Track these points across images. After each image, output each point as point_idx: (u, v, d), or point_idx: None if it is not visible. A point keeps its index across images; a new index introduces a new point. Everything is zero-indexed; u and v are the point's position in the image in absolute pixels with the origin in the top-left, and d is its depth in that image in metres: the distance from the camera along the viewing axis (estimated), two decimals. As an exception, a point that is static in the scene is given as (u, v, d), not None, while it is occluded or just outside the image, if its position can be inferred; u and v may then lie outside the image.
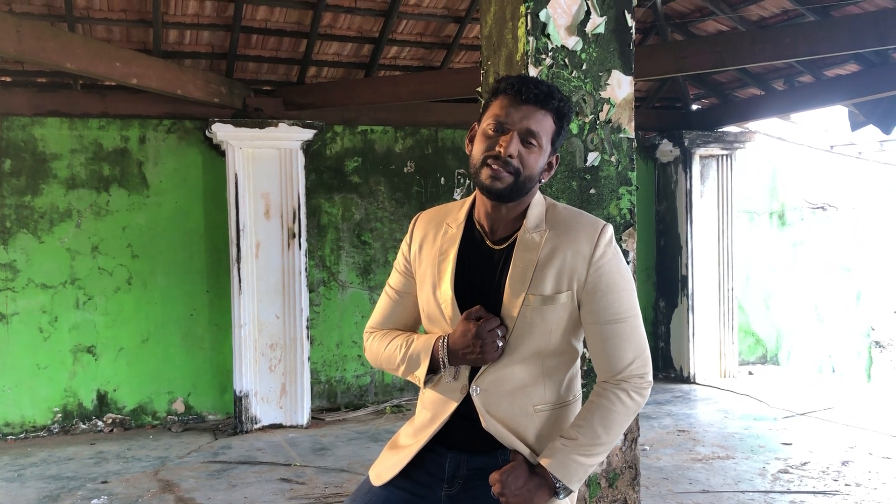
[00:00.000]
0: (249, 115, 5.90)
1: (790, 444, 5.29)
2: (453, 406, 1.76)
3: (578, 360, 1.82)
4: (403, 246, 1.91)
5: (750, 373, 7.84)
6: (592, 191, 2.60)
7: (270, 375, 5.90)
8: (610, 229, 1.74)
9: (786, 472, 4.70)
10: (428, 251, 1.83)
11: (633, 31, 2.64)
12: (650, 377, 1.74)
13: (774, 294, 8.37)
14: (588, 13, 2.56)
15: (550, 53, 2.52)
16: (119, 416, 5.97)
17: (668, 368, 7.59)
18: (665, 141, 7.37)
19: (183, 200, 6.09)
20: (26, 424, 5.77)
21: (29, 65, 5.53)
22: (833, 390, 7.03)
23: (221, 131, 5.70)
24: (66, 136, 5.82)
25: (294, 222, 5.90)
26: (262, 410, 5.88)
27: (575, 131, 2.57)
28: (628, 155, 2.64)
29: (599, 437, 1.68)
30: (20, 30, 4.24)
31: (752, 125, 7.54)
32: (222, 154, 5.93)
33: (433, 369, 1.77)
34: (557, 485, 1.67)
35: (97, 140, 5.90)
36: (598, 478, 2.65)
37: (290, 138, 5.88)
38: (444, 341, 1.74)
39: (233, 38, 5.60)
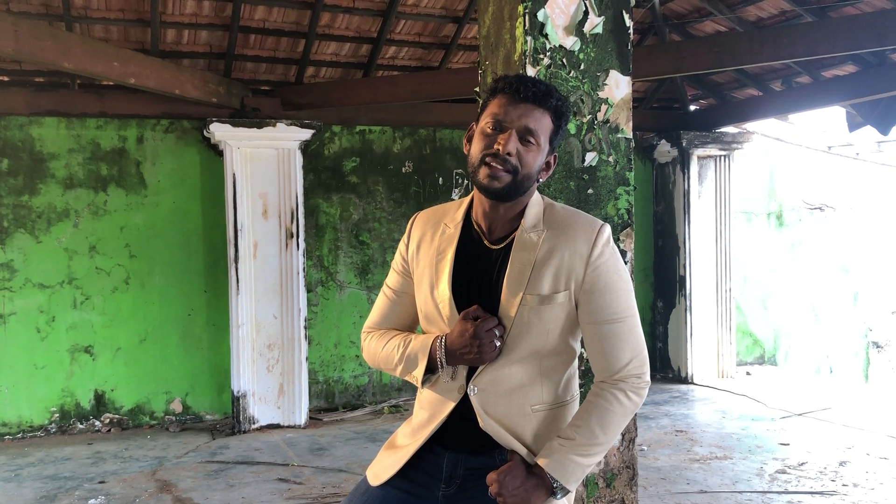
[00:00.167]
0: (247, 115, 5.89)
1: (788, 444, 5.29)
2: (451, 406, 1.76)
3: (576, 360, 1.82)
4: (401, 246, 1.91)
5: (748, 373, 7.85)
6: (590, 191, 2.60)
7: (268, 375, 5.90)
8: (607, 229, 1.74)
9: (783, 472, 4.70)
10: (426, 251, 1.83)
11: (631, 31, 2.64)
12: (647, 377, 1.74)
13: (772, 294, 8.38)
14: (586, 13, 2.56)
15: (548, 53, 2.52)
16: (116, 416, 5.97)
17: (666, 369, 7.59)
18: (663, 141, 7.37)
19: (181, 200, 6.08)
20: (23, 424, 5.76)
21: (26, 64, 5.52)
22: (830, 391, 7.03)
23: (219, 131, 5.70)
24: (63, 135, 5.81)
25: (292, 222, 5.90)
26: (260, 410, 5.88)
27: (573, 131, 2.57)
28: (626, 155, 2.64)
29: (597, 437, 1.68)
30: (18, 29, 4.24)
31: (749, 126, 7.55)
32: (220, 154, 5.93)
33: (431, 369, 1.77)
34: (555, 485, 1.67)
35: (95, 140, 5.89)
36: (596, 478, 2.65)
37: (287, 138, 5.87)
38: (441, 341, 1.73)
39: (231, 38, 5.59)
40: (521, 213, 1.75)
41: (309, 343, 6.24)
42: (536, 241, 1.72)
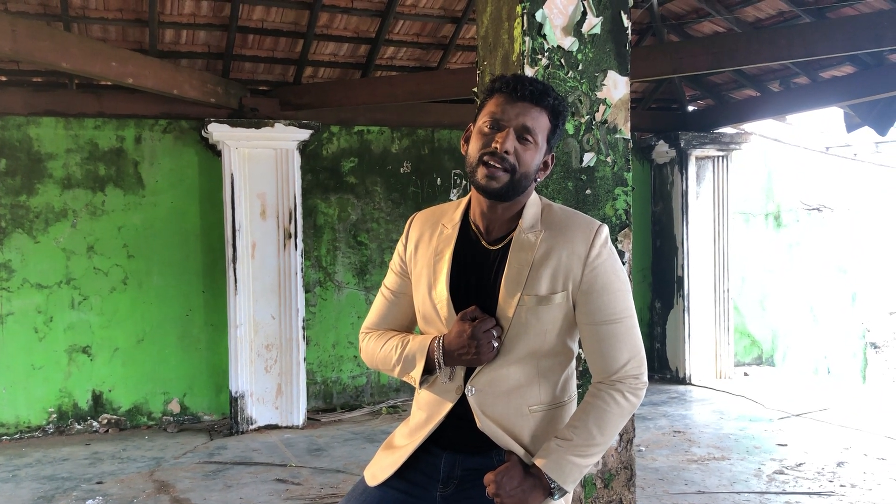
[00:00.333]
0: (245, 116, 5.89)
1: (785, 445, 5.30)
2: (448, 406, 1.76)
3: (574, 360, 1.82)
4: (399, 246, 1.91)
5: (745, 374, 7.85)
6: (588, 191, 2.60)
7: (266, 376, 5.89)
8: (605, 230, 1.74)
9: (781, 472, 4.71)
10: (423, 251, 1.83)
11: (629, 31, 2.65)
12: (645, 378, 1.74)
13: (770, 295, 8.38)
14: (584, 14, 2.56)
15: (546, 54, 2.52)
16: (114, 417, 5.96)
17: (664, 369, 7.59)
18: (661, 142, 7.38)
19: (179, 200, 6.08)
20: (21, 425, 5.75)
21: (24, 64, 5.51)
22: (828, 391, 7.04)
23: (217, 131, 5.70)
24: (61, 135, 5.81)
25: (290, 223, 5.90)
26: (258, 411, 5.87)
27: (571, 132, 2.57)
28: (624, 156, 2.65)
29: (594, 438, 1.68)
30: (15, 29, 4.23)
31: (747, 126, 7.55)
32: (218, 154, 5.92)
33: (429, 370, 1.76)
34: (552, 485, 1.67)
35: (93, 140, 5.88)
36: (594, 478, 2.65)
37: (286, 138, 5.87)
38: (439, 342, 1.73)
39: (229, 38, 5.59)
40: (519, 214, 1.75)
41: (307, 343, 6.24)
42: (534, 242, 1.72)
